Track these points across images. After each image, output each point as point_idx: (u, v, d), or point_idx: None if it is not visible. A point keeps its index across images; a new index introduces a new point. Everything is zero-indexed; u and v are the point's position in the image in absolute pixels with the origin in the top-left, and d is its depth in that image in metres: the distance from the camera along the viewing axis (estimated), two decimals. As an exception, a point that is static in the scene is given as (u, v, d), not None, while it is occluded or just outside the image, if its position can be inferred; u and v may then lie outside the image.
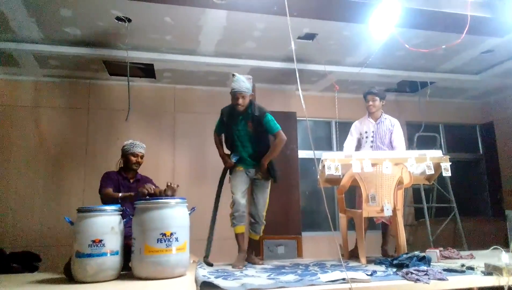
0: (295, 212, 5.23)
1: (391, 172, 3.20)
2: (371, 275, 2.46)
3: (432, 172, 3.37)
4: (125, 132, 4.90)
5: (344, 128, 4.01)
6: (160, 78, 5.25)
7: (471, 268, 2.66)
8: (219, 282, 2.30)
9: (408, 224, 5.67)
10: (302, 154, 5.65)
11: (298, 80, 2.58)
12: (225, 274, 2.71)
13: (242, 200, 3.27)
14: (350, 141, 3.89)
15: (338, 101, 4.92)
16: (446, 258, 3.29)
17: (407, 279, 2.38)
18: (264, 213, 3.38)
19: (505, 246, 3.71)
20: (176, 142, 5.38)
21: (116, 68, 4.83)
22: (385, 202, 3.19)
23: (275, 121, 3.31)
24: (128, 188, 3.26)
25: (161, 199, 2.86)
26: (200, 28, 3.99)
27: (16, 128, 4.90)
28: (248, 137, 3.34)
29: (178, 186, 3.10)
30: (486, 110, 6.62)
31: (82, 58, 4.50)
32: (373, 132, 3.77)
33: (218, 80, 5.34)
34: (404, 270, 2.54)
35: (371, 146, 3.75)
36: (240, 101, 3.20)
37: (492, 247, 3.22)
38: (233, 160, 3.38)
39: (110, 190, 3.14)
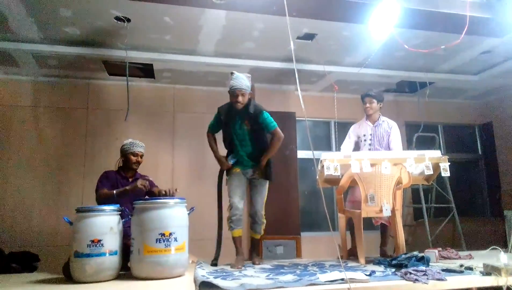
0: (294, 212, 5.23)
1: (390, 172, 3.20)
2: (369, 275, 2.46)
3: (431, 172, 3.37)
4: (124, 132, 4.90)
5: (343, 128, 4.02)
6: (160, 78, 5.25)
7: (469, 268, 2.66)
8: (218, 282, 2.30)
9: (407, 224, 5.68)
10: (301, 154, 5.65)
11: (297, 80, 2.58)
12: (224, 274, 2.71)
13: (240, 204, 3.25)
14: (348, 144, 3.89)
15: (337, 101, 4.92)
16: (445, 258, 3.30)
17: (406, 279, 2.38)
18: (263, 212, 3.36)
19: (504, 246, 3.70)
20: (175, 142, 5.38)
21: (115, 68, 4.83)
22: (384, 202, 3.19)
23: (272, 119, 3.28)
24: (127, 187, 3.26)
25: (160, 199, 2.86)
26: (199, 28, 3.99)
27: (15, 128, 4.90)
28: (246, 136, 3.31)
29: (176, 190, 3.10)
30: (485, 111, 6.63)
31: (81, 58, 4.50)
32: (371, 135, 3.77)
33: (217, 80, 5.34)
34: (403, 270, 2.54)
35: (370, 149, 3.75)
36: (240, 98, 3.16)
37: (490, 248, 3.22)
38: (231, 162, 3.33)
39: (105, 189, 3.13)
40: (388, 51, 4.55)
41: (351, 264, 3.14)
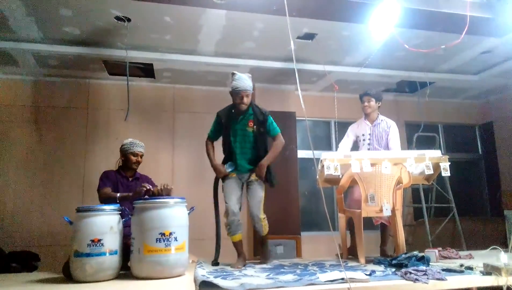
0: (294, 212, 5.23)
1: (390, 172, 3.20)
2: (370, 275, 2.46)
3: (431, 172, 3.37)
4: (124, 131, 4.89)
5: (343, 128, 4.01)
6: (160, 78, 5.25)
7: (470, 268, 2.66)
8: (218, 281, 2.29)
9: (407, 224, 5.68)
10: (302, 154, 5.65)
11: (297, 80, 2.58)
12: (224, 273, 2.71)
13: (236, 208, 3.19)
14: (346, 143, 3.88)
15: (337, 101, 4.92)
16: (445, 258, 3.29)
17: (406, 279, 2.38)
18: (261, 215, 3.23)
19: (504, 246, 3.71)
20: (175, 142, 5.38)
21: (116, 68, 4.83)
22: (384, 202, 3.19)
23: (276, 124, 3.32)
24: (127, 187, 3.26)
25: (160, 198, 2.86)
26: (199, 28, 3.99)
27: (15, 127, 4.90)
28: (248, 138, 3.26)
29: (168, 185, 3.10)
30: (485, 110, 6.63)
31: (82, 58, 4.50)
32: (369, 134, 3.77)
33: (217, 80, 5.34)
34: (403, 270, 2.54)
35: (369, 149, 3.75)
36: (245, 100, 3.15)
37: (491, 247, 3.23)
38: (228, 170, 3.26)
39: (108, 189, 3.14)
40: (388, 51, 4.55)
41: (351, 263, 3.14)
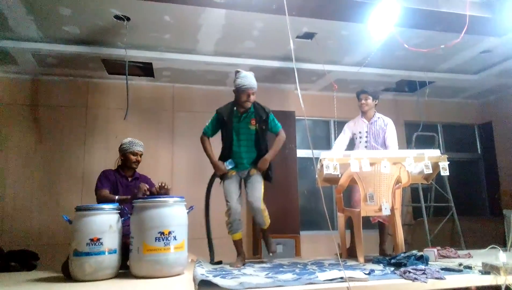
0: (293, 211, 5.23)
1: (389, 172, 3.20)
2: (369, 274, 2.47)
3: (430, 171, 3.37)
4: (124, 131, 4.88)
5: (342, 127, 4.01)
6: (159, 77, 5.25)
7: (468, 267, 2.66)
8: (218, 280, 2.30)
9: (406, 223, 5.68)
10: (301, 153, 5.65)
11: (297, 79, 2.58)
12: (224, 272, 2.71)
13: (238, 207, 3.18)
14: (342, 139, 3.88)
15: (337, 101, 4.92)
16: (444, 257, 3.30)
17: (405, 278, 2.38)
18: (261, 204, 3.19)
19: (503, 245, 3.72)
20: (174, 141, 5.37)
21: (115, 67, 4.83)
22: (383, 201, 3.19)
23: (277, 120, 3.34)
24: (126, 187, 3.26)
25: (160, 197, 2.86)
26: (199, 27, 3.99)
27: (15, 126, 4.89)
28: (250, 136, 3.25)
29: (169, 188, 3.10)
30: (485, 110, 6.63)
31: (81, 57, 4.50)
32: (366, 132, 3.77)
33: (217, 79, 5.33)
34: (402, 269, 2.54)
35: (366, 146, 3.75)
36: (251, 98, 3.15)
37: (489, 246, 3.23)
38: (228, 168, 3.22)
39: (106, 191, 3.13)
40: (388, 50, 4.55)
41: (350, 263, 3.15)
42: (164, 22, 3.86)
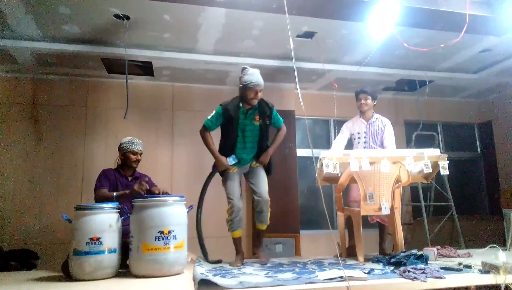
0: (293, 211, 5.23)
1: (389, 171, 3.20)
2: (368, 273, 2.47)
3: (430, 170, 3.36)
4: (124, 130, 4.88)
5: (342, 126, 4.01)
6: (159, 76, 5.24)
7: (468, 267, 2.66)
8: (217, 280, 2.30)
9: (406, 222, 5.68)
10: (301, 152, 5.65)
11: (296, 78, 2.58)
12: (223, 272, 2.71)
13: (240, 204, 3.18)
14: (341, 140, 3.87)
15: (336, 100, 4.92)
16: (444, 256, 3.30)
17: (405, 277, 2.38)
18: (269, 198, 3.20)
19: (502, 244, 3.72)
20: (174, 140, 5.37)
21: (115, 66, 4.82)
22: (383, 200, 3.19)
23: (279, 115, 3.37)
24: (126, 186, 3.25)
25: (159, 197, 2.86)
26: (198, 26, 3.99)
27: (14, 125, 4.89)
28: (255, 132, 3.24)
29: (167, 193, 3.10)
30: (485, 109, 6.63)
31: (81, 56, 4.49)
32: (365, 132, 3.77)
33: (216, 78, 5.33)
34: (402, 268, 2.54)
35: (364, 147, 3.74)
36: (259, 95, 3.15)
37: (489, 246, 3.23)
38: (231, 163, 3.18)
39: (105, 190, 3.12)
40: (388, 49, 4.55)
41: (350, 262, 3.15)
42: (164, 21, 3.85)
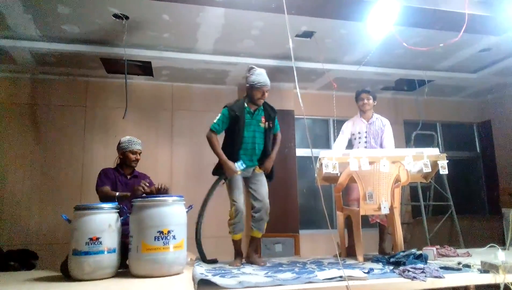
0: (292, 210, 5.23)
1: (389, 170, 3.20)
2: (368, 273, 2.47)
3: (429, 170, 3.37)
4: (123, 129, 4.88)
5: (341, 126, 4.01)
6: (158, 76, 5.24)
7: (467, 266, 2.67)
8: (217, 280, 2.30)
9: (405, 222, 5.69)
10: (300, 152, 5.65)
11: (296, 78, 2.58)
12: (223, 272, 2.71)
13: (244, 208, 3.14)
14: (342, 140, 3.87)
15: (336, 99, 4.92)
16: (443, 256, 3.31)
17: (404, 277, 2.38)
18: (268, 205, 3.19)
19: (502, 244, 3.71)
20: (174, 139, 5.37)
21: (114, 66, 4.82)
22: (383, 200, 3.19)
23: None
24: (126, 185, 3.25)
25: (159, 197, 2.85)
26: (198, 26, 3.98)
27: (13, 125, 4.89)
28: (260, 134, 3.20)
29: (168, 188, 3.08)
30: (484, 109, 6.64)
31: (80, 56, 4.49)
32: (366, 132, 3.77)
33: (216, 78, 5.33)
34: (401, 268, 2.54)
35: (365, 147, 3.74)
36: (265, 95, 3.13)
37: (488, 245, 3.23)
38: (239, 169, 3.09)
39: (107, 188, 3.13)
40: (387, 49, 4.55)
41: (349, 261, 3.15)
42: (163, 21, 3.85)
